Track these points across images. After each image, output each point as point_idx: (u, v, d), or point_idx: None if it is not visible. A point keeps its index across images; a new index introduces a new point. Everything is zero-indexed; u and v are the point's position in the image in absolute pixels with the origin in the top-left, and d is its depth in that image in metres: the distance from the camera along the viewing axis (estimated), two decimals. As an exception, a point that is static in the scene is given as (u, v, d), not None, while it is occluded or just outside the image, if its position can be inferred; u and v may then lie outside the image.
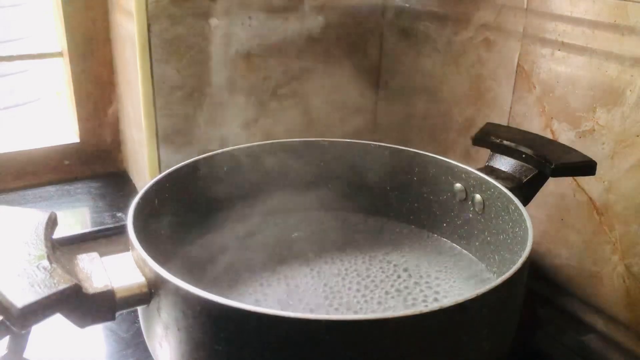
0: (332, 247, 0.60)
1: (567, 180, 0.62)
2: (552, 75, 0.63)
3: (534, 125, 0.66)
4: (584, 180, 0.61)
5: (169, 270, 0.39)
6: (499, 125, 0.64)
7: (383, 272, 0.57)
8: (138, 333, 0.59)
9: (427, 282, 0.55)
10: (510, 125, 0.69)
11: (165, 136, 0.77)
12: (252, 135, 0.83)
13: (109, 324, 0.55)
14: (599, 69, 0.58)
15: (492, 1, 0.69)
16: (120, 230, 0.75)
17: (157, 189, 0.52)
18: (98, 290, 0.39)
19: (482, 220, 0.56)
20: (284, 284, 0.54)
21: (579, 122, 0.61)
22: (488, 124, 0.63)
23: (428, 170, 0.61)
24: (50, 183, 0.89)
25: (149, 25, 0.71)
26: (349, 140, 0.63)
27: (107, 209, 0.83)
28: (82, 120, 0.90)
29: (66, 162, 0.90)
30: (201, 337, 0.38)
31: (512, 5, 0.67)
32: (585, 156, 0.56)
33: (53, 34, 0.89)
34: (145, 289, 0.41)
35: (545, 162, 0.54)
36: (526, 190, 0.55)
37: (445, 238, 0.61)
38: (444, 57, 0.77)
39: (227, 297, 0.36)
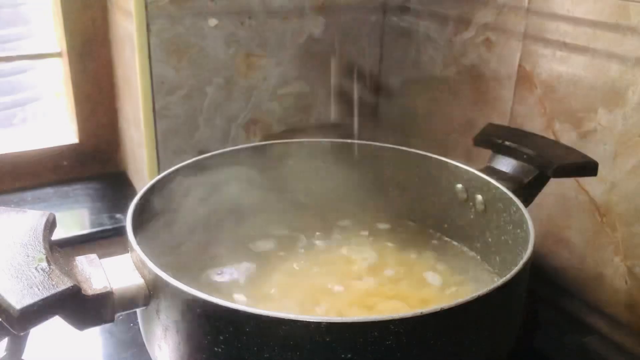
0: (331, 247, 0.59)
1: (569, 181, 0.62)
2: (554, 75, 0.63)
3: (536, 125, 0.65)
4: (585, 181, 0.61)
5: (168, 272, 0.39)
6: (500, 126, 0.64)
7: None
8: (137, 335, 0.59)
9: (427, 283, 0.55)
10: (512, 125, 0.69)
11: (164, 137, 0.77)
12: (252, 135, 0.83)
13: (107, 325, 0.54)
14: (601, 69, 0.58)
15: (492, 1, 0.69)
16: (119, 232, 0.75)
17: (156, 190, 0.52)
18: (97, 292, 0.38)
19: (484, 221, 0.56)
20: (287, 283, 0.54)
21: (580, 123, 0.61)
22: (489, 124, 0.62)
23: (429, 170, 0.60)
24: (49, 184, 0.88)
25: (148, 25, 0.71)
26: (349, 140, 0.63)
27: (106, 210, 0.83)
28: (81, 120, 0.89)
29: (65, 163, 0.90)
30: (200, 339, 0.38)
31: (513, 5, 0.66)
32: (587, 157, 0.55)
33: (52, 34, 0.88)
34: (144, 291, 0.40)
35: (547, 163, 0.54)
36: (527, 191, 0.55)
37: (446, 239, 0.61)
38: (444, 57, 0.77)
39: (227, 298, 0.36)
